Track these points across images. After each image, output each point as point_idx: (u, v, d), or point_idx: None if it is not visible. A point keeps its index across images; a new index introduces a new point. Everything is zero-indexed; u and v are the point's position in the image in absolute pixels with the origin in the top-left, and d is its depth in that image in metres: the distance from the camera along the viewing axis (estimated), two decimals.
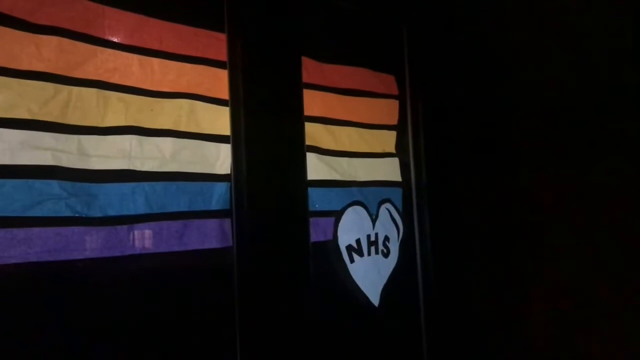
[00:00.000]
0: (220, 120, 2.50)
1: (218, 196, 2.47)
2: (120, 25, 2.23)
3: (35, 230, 1.91)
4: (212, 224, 2.44)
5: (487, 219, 3.30)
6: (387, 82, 3.49)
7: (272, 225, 2.53)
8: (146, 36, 2.32)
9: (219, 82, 2.51)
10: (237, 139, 2.46)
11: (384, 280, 3.27)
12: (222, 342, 2.40)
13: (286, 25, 2.66)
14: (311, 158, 2.87)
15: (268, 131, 2.55)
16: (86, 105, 2.10)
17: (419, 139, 3.45)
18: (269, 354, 2.43)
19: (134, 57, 2.27)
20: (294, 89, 2.67)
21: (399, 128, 3.51)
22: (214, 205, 2.46)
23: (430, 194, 3.40)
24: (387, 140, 3.44)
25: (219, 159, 2.49)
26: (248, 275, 2.43)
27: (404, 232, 3.43)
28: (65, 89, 2.04)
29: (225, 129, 2.50)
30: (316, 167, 2.91)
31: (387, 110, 3.47)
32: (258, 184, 2.49)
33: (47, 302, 1.92)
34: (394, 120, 3.49)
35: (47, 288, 1.93)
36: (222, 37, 2.52)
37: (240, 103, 2.48)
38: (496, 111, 3.35)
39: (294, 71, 2.68)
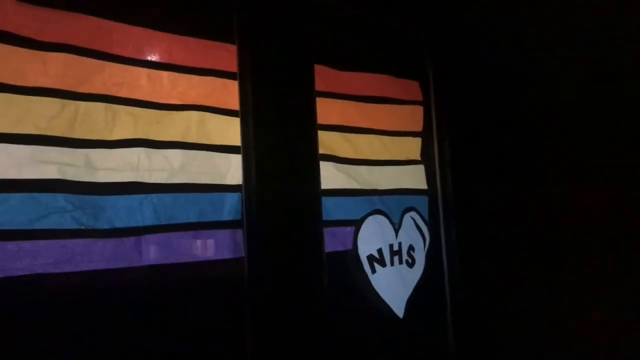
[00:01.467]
0: (230, 131, 2.50)
1: (230, 207, 2.47)
2: (128, 39, 2.27)
3: (42, 242, 1.95)
4: (223, 234, 2.44)
5: (516, 228, 3.17)
6: (410, 88, 3.43)
7: (285, 235, 2.51)
8: (155, 50, 2.35)
9: (229, 93, 2.52)
10: (247, 149, 2.45)
11: (409, 291, 3.20)
12: (234, 355, 2.38)
13: (297, 34, 2.65)
14: (327, 167, 2.84)
15: (279, 141, 2.53)
16: (94, 120, 2.14)
17: (444, 146, 3.36)
18: None
19: (143, 71, 2.30)
20: (306, 97, 2.65)
21: (424, 135, 3.43)
22: (226, 216, 2.46)
23: (456, 202, 3.31)
24: (412, 147, 3.38)
25: (230, 170, 2.49)
26: (260, 286, 2.42)
27: (430, 241, 3.34)
28: (72, 104, 2.08)
29: (236, 140, 2.50)
30: (333, 176, 2.88)
31: (411, 116, 3.40)
32: (269, 194, 2.47)
33: (52, 312, 1.95)
34: (418, 126, 3.43)
35: (53, 299, 1.96)
36: (233, 48, 2.53)
37: (250, 113, 2.48)
38: (525, 117, 3.22)
39: (306, 80, 2.66)
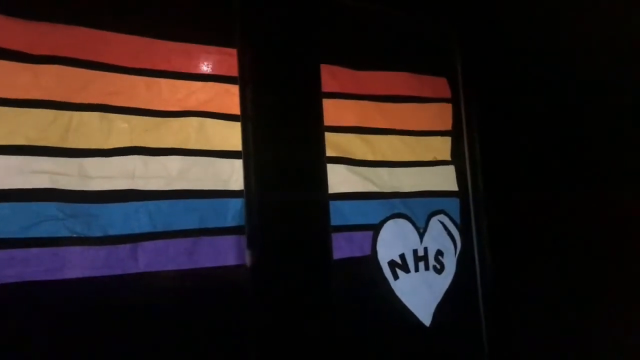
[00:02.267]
0: (233, 136, 2.48)
1: (234, 212, 2.44)
2: (124, 49, 2.29)
3: (34, 250, 2.00)
4: (225, 241, 2.41)
5: (551, 231, 2.94)
6: (438, 85, 3.27)
7: (289, 242, 2.45)
8: (153, 58, 2.36)
9: (231, 98, 2.49)
10: (248, 154, 2.41)
11: (438, 299, 3.03)
12: None
13: (300, 35, 2.59)
14: (340, 170, 2.76)
15: (282, 145, 2.48)
16: (89, 129, 2.18)
17: (474, 145, 3.17)
18: None
19: (140, 79, 2.32)
20: (312, 99, 2.58)
21: (454, 133, 3.26)
22: (230, 222, 2.43)
23: (488, 205, 3.11)
24: (440, 147, 3.21)
25: (233, 175, 2.46)
26: (262, 294, 2.37)
27: (461, 246, 3.17)
28: (65, 114, 2.12)
29: (239, 145, 2.46)
30: (347, 179, 2.78)
31: (439, 114, 3.24)
32: (272, 200, 2.42)
33: (43, 319, 1.99)
34: (447, 125, 3.26)
35: (44, 306, 2.00)
36: (234, 52, 2.50)
37: (252, 117, 2.44)
38: (559, 116, 2.99)
39: (311, 81, 2.59)
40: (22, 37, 2.06)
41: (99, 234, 2.13)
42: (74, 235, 2.07)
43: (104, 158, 2.19)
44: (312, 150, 2.55)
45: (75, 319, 2.04)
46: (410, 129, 3.10)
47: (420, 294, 2.97)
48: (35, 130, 2.05)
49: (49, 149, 2.07)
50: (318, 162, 2.56)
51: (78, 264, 2.07)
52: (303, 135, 2.53)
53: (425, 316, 2.96)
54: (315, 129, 2.58)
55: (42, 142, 2.06)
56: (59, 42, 2.14)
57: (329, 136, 2.73)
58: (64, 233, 2.06)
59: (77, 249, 2.07)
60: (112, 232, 2.16)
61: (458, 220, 3.17)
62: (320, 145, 2.59)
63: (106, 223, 2.15)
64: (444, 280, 3.07)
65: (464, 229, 3.16)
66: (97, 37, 2.23)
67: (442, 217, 3.12)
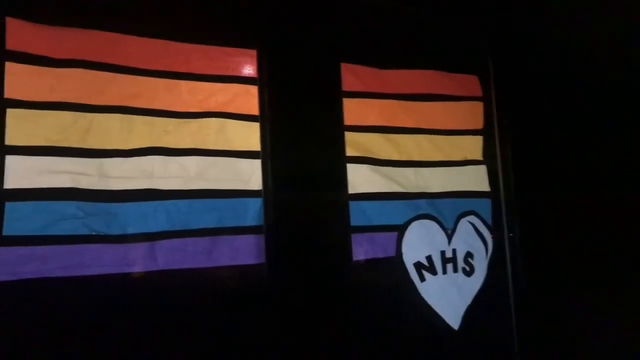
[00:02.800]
0: (253, 136, 2.49)
1: (254, 212, 2.45)
2: (144, 51, 2.35)
3: (52, 247, 2.06)
4: (244, 240, 2.42)
5: (584, 233, 2.82)
6: (468, 83, 3.19)
7: (308, 241, 2.45)
8: (172, 60, 2.41)
9: (251, 99, 2.51)
10: (266, 154, 2.43)
11: (468, 302, 2.95)
12: None
13: (320, 35, 2.59)
14: (363, 170, 2.73)
15: (301, 145, 2.49)
16: (109, 130, 2.24)
17: (506, 144, 3.08)
18: None
19: (160, 81, 2.37)
20: (331, 99, 2.57)
21: (486, 133, 3.17)
22: (250, 221, 2.44)
23: (520, 206, 3.01)
24: (471, 146, 3.13)
25: (253, 175, 2.47)
26: (280, 293, 2.37)
27: (493, 248, 3.07)
28: (85, 116, 2.19)
29: (259, 145, 2.48)
30: (370, 179, 2.75)
31: (470, 113, 3.16)
32: (290, 199, 2.43)
33: (60, 314, 2.05)
34: (478, 124, 3.17)
35: (60, 302, 2.06)
36: (254, 53, 2.52)
37: (271, 118, 2.46)
38: (597, 114, 2.86)
39: (331, 81, 2.58)
40: (45, 42, 2.14)
41: (117, 232, 2.18)
42: (93, 233, 2.13)
43: (123, 158, 2.24)
44: (331, 150, 2.54)
45: (92, 315, 2.09)
46: (439, 128, 3.03)
47: (449, 297, 2.90)
48: (56, 132, 2.12)
49: (69, 150, 2.13)
50: (337, 162, 2.55)
51: (96, 262, 2.12)
52: (322, 135, 2.53)
53: (453, 319, 2.89)
54: (335, 128, 2.57)
55: (62, 143, 2.13)
56: (80, 46, 2.21)
57: (351, 136, 2.72)
58: (83, 231, 2.12)
59: (95, 246, 2.13)
60: (131, 230, 2.21)
61: (490, 222, 3.07)
62: (340, 144, 2.58)
63: (125, 222, 2.20)
64: (474, 283, 2.99)
65: (495, 231, 3.05)
66: (117, 40, 2.29)
67: (472, 218, 3.04)
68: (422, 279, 2.84)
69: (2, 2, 2.08)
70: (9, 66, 2.08)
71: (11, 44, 2.09)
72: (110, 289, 2.15)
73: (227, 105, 2.48)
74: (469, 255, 2.98)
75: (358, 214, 2.68)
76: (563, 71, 2.97)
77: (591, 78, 2.84)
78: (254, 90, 2.51)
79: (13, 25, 2.10)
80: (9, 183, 2.02)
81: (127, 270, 2.18)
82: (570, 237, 2.91)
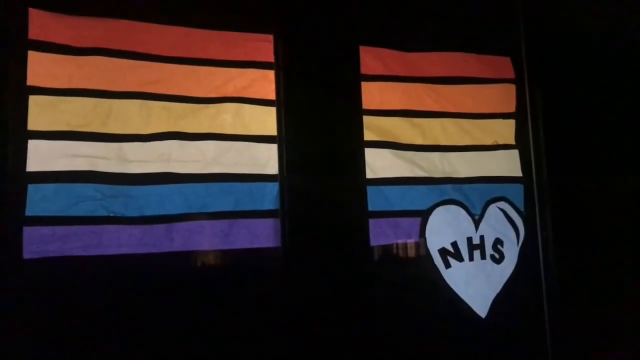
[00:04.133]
0: (270, 121, 2.51)
1: (271, 196, 2.47)
2: (162, 39, 2.41)
3: (73, 228, 2.16)
4: (261, 223, 2.45)
5: (620, 219, 2.69)
6: (500, 65, 3.10)
7: (325, 225, 2.45)
8: (191, 46, 2.45)
9: (269, 84, 2.53)
10: (283, 139, 2.44)
11: (497, 289, 2.88)
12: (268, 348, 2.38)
13: (338, 18, 2.57)
14: (384, 154, 2.71)
15: (317, 129, 2.49)
16: (129, 115, 2.31)
17: (538, 129, 2.97)
18: None
19: (178, 67, 2.43)
20: (349, 82, 2.55)
21: (519, 116, 3.06)
22: (267, 205, 2.47)
23: (552, 191, 2.90)
24: (502, 130, 3.04)
25: (270, 160, 2.49)
26: (295, 276, 2.39)
27: (525, 235, 2.97)
28: (105, 102, 2.27)
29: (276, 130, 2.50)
30: (392, 164, 2.72)
31: (502, 96, 3.07)
32: (306, 184, 2.44)
33: (80, 291, 2.15)
34: (510, 107, 3.07)
35: (80, 279, 2.15)
36: (271, 38, 2.53)
37: (287, 102, 2.47)
38: (632, 98, 2.72)
39: (349, 64, 2.56)
40: (66, 31, 2.23)
41: (135, 214, 2.25)
42: (111, 215, 2.21)
43: (142, 143, 2.31)
44: (348, 135, 2.52)
45: (110, 292, 2.17)
46: (468, 111, 2.96)
47: (476, 284, 2.84)
48: (76, 117, 2.21)
49: (89, 134, 2.22)
50: (355, 146, 2.53)
51: (115, 242, 2.21)
52: (339, 119, 2.53)
53: (481, 307, 2.83)
54: (353, 112, 2.56)
55: (83, 128, 2.22)
56: (100, 35, 2.29)
57: (372, 120, 2.70)
58: (102, 212, 2.20)
59: (114, 227, 2.21)
60: (148, 212, 2.28)
61: (522, 208, 2.97)
62: (358, 129, 2.56)
63: (142, 204, 2.27)
64: (504, 270, 2.91)
65: (527, 217, 2.95)
66: (136, 28, 2.36)
67: (502, 204, 2.95)
68: (448, 265, 2.79)
69: None
70: (32, 55, 2.18)
71: (34, 33, 2.19)
72: (128, 268, 2.22)
73: (245, 90, 2.51)
74: (498, 242, 2.91)
75: (379, 199, 2.66)
76: (598, 52, 2.83)
77: (626, 60, 2.70)
78: (271, 75, 2.53)
79: (35, 16, 2.20)
80: (32, 166, 2.13)
81: (144, 250, 2.26)
82: (606, 223, 2.78)
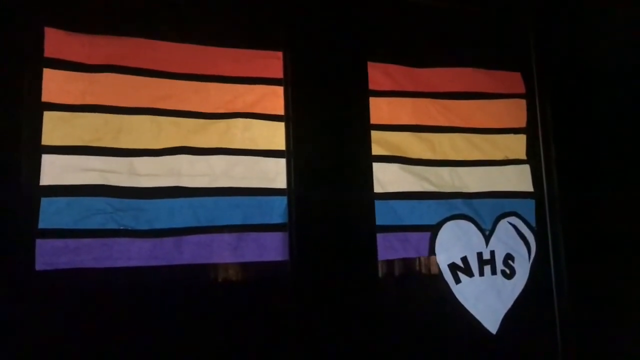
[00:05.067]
0: (279, 136, 2.55)
1: (280, 210, 2.50)
2: (173, 56, 2.47)
3: (85, 240, 2.21)
4: (271, 237, 2.48)
5: (632, 235, 2.66)
6: (511, 80, 3.11)
7: (333, 240, 2.46)
8: (201, 63, 2.51)
9: (278, 99, 2.57)
10: (291, 153, 2.47)
11: (507, 305, 2.86)
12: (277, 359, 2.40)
13: (346, 35, 2.61)
14: (393, 169, 2.72)
15: (326, 144, 2.51)
16: (139, 131, 2.37)
17: (549, 143, 2.96)
18: None
19: (189, 84, 2.48)
20: (357, 98, 2.58)
21: (530, 131, 3.06)
22: (275, 219, 2.50)
23: (564, 207, 2.88)
24: (513, 145, 3.04)
25: (279, 174, 2.52)
26: (304, 290, 2.41)
27: (536, 251, 2.95)
28: (117, 117, 2.33)
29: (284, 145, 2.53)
30: (401, 179, 2.73)
31: (512, 111, 3.07)
32: (314, 198, 2.46)
33: (91, 303, 2.19)
34: (521, 122, 3.07)
35: (91, 291, 2.19)
36: (281, 55, 2.58)
37: (295, 117, 2.50)
38: None
39: (357, 80, 2.59)
40: (80, 49, 2.30)
41: (145, 227, 2.30)
42: (122, 228, 2.25)
43: (153, 157, 2.36)
44: (356, 149, 2.55)
45: (120, 304, 2.21)
46: (477, 126, 2.97)
47: (486, 300, 2.82)
48: (89, 133, 2.27)
49: (101, 149, 2.27)
50: (363, 161, 2.55)
51: (125, 254, 2.25)
52: (348, 134, 2.55)
53: (491, 323, 2.81)
54: (361, 127, 2.58)
55: (95, 143, 2.28)
56: (113, 52, 2.36)
57: (380, 134, 2.72)
58: (112, 225, 2.25)
59: (124, 240, 2.25)
60: (158, 225, 2.32)
61: (533, 223, 2.96)
62: (366, 143, 2.58)
63: (152, 217, 2.32)
64: (515, 286, 2.89)
65: (539, 233, 2.93)
66: (147, 46, 2.43)
67: (513, 219, 2.94)
68: (458, 280, 2.78)
69: (42, 14, 2.24)
70: (47, 72, 2.25)
71: (49, 52, 2.26)
72: (138, 281, 2.26)
73: (254, 105, 2.55)
74: (509, 257, 2.89)
75: (388, 213, 2.67)
76: (609, 67, 2.83)
77: (638, 74, 2.68)
78: (280, 91, 2.57)
79: (51, 35, 2.27)
80: (45, 180, 2.18)
81: (153, 263, 2.29)
82: (618, 239, 2.75)
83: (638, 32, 2.71)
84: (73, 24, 2.31)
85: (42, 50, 2.25)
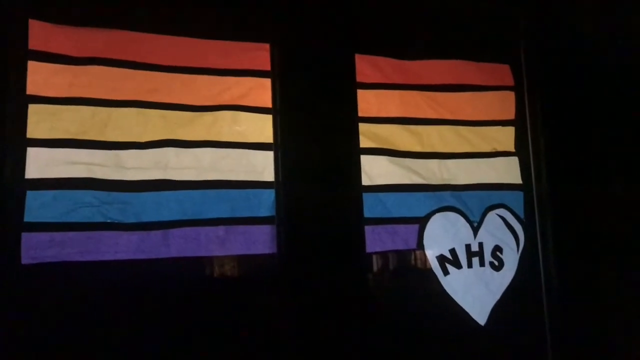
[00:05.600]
0: (267, 128, 2.54)
1: (268, 203, 2.49)
2: (160, 49, 2.45)
3: (71, 234, 2.20)
4: (258, 230, 2.47)
5: (619, 227, 2.68)
6: (500, 72, 3.10)
7: (321, 232, 2.46)
8: (188, 56, 2.50)
9: (266, 92, 2.56)
10: (279, 146, 2.47)
11: (496, 297, 2.86)
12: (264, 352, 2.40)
13: (334, 28, 2.60)
14: (381, 161, 2.72)
15: (313, 137, 2.51)
16: (126, 123, 2.36)
17: (538, 135, 2.96)
18: None
19: (176, 77, 2.47)
20: (344, 91, 2.57)
21: (518, 123, 3.06)
22: (263, 212, 2.49)
23: (552, 199, 2.88)
24: (501, 137, 3.03)
25: (267, 167, 2.52)
26: (291, 283, 2.40)
27: (525, 243, 2.96)
28: (104, 110, 2.32)
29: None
30: (389, 171, 2.73)
31: (501, 103, 3.06)
32: (302, 191, 2.46)
33: (77, 296, 2.18)
34: (510, 114, 3.07)
35: (77, 284, 2.19)
36: (268, 47, 2.57)
37: (283, 110, 2.50)
38: (632, 105, 2.72)
39: (344, 73, 2.58)
40: (65, 42, 2.29)
41: (132, 220, 2.29)
42: (108, 221, 2.24)
43: (139, 150, 2.35)
44: (344, 142, 2.54)
45: (106, 297, 2.20)
46: (466, 119, 2.96)
47: (475, 291, 2.83)
48: (75, 126, 2.26)
49: (87, 142, 2.27)
50: (351, 153, 2.55)
51: (112, 248, 2.24)
52: (335, 127, 2.55)
53: (480, 315, 2.81)
54: (349, 120, 2.57)
55: (82, 136, 2.27)
56: (99, 45, 2.35)
57: (368, 127, 2.71)
58: (99, 219, 2.24)
59: (111, 233, 2.25)
60: (145, 219, 2.31)
61: (522, 215, 2.96)
62: (354, 136, 2.57)
63: (139, 210, 2.31)
64: (504, 278, 2.89)
65: (527, 225, 2.94)
66: (134, 38, 2.41)
67: (502, 211, 2.94)
68: (446, 272, 2.78)
69: (26, 5, 2.22)
70: (31, 65, 2.23)
71: (34, 44, 2.25)
72: (125, 274, 2.25)
73: (242, 98, 2.54)
74: (497, 249, 2.89)
75: (376, 206, 2.67)
76: (597, 59, 2.83)
77: (626, 66, 2.69)
78: (268, 83, 2.56)
79: (35, 27, 2.26)
80: (31, 173, 2.18)
81: (140, 256, 2.29)
82: (606, 231, 2.76)
83: (627, 26, 2.71)
84: (58, 17, 2.28)
85: (26, 42, 2.23)
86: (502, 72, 3.09)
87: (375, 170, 2.68)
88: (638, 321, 2.62)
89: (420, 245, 2.75)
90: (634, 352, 2.58)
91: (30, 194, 2.16)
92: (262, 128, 2.54)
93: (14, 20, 2.21)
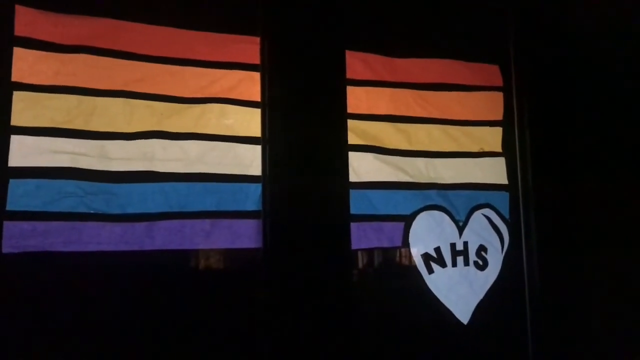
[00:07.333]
0: (255, 122, 2.52)
1: (255, 197, 2.48)
2: (148, 38, 2.43)
3: (54, 224, 2.17)
4: (244, 224, 2.46)
5: (604, 228, 2.70)
6: (489, 72, 3.12)
7: (306, 227, 2.45)
8: (177, 46, 2.47)
9: (255, 85, 2.54)
10: (267, 140, 2.46)
11: (479, 296, 2.88)
12: (245, 347, 2.39)
13: (325, 23, 2.58)
14: (368, 158, 2.72)
15: (301, 131, 2.49)
16: (112, 113, 2.33)
17: (525, 137, 2.98)
18: None
19: (164, 67, 2.44)
20: (334, 86, 2.56)
21: (506, 124, 3.07)
22: (249, 206, 2.48)
23: (537, 200, 2.90)
24: (488, 137, 3.05)
25: (254, 161, 2.50)
26: (275, 277, 2.39)
27: (509, 243, 2.98)
28: (90, 99, 2.29)
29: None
30: (376, 168, 2.73)
31: (489, 104, 3.08)
32: (289, 185, 2.45)
33: (59, 286, 2.16)
34: (497, 114, 3.08)
35: (60, 275, 2.16)
36: (258, 40, 2.55)
37: (271, 104, 2.48)
38: (619, 107, 2.75)
39: (334, 68, 2.57)
40: (51, 29, 2.25)
41: (116, 211, 2.27)
42: (92, 212, 2.22)
43: (125, 141, 2.32)
44: (332, 138, 2.53)
45: (89, 289, 2.18)
46: (454, 118, 2.97)
47: (458, 290, 2.84)
48: (60, 114, 2.22)
49: (72, 131, 2.23)
50: (339, 149, 2.54)
51: (95, 238, 2.22)
52: (323, 122, 2.53)
53: (463, 314, 2.83)
54: (338, 116, 2.56)
55: (67, 125, 2.23)
56: (86, 33, 2.31)
57: (357, 124, 2.71)
58: (82, 209, 2.21)
59: (94, 224, 2.22)
60: (130, 210, 2.29)
61: (507, 215, 2.98)
62: (342, 132, 2.57)
63: (124, 202, 2.29)
64: (487, 277, 2.91)
65: (512, 225, 2.96)
66: (122, 27, 2.38)
67: (487, 211, 2.96)
68: (431, 270, 2.79)
69: None
70: (17, 51, 2.19)
71: (19, 30, 2.21)
72: (108, 265, 2.23)
73: (230, 91, 2.52)
74: (482, 248, 2.91)
75: (363, 202, 2.67)
76: (587, 61, 2.85)
77: (615, 67, 2.71)
78: (257, 76, 2.54)
79: (22, 13, 2.22)
80: (14, 161, 2.14)
81: (124, 248, 2.26)
82: (590, 232, 2.79)
83: (616, 26, 2.72)
84: (45, 3, 2.25)
85: (12, 28, 2.19)
86: (492, 73, 3.11)
87: (362, 167, 2.68)
88: (621, 321, 2.64)
89: (406, 243, 2.76)
90: (617, 351, 2.60)
91: (13, 182, 2.13)
92: (250, 121, 2.53)
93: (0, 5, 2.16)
